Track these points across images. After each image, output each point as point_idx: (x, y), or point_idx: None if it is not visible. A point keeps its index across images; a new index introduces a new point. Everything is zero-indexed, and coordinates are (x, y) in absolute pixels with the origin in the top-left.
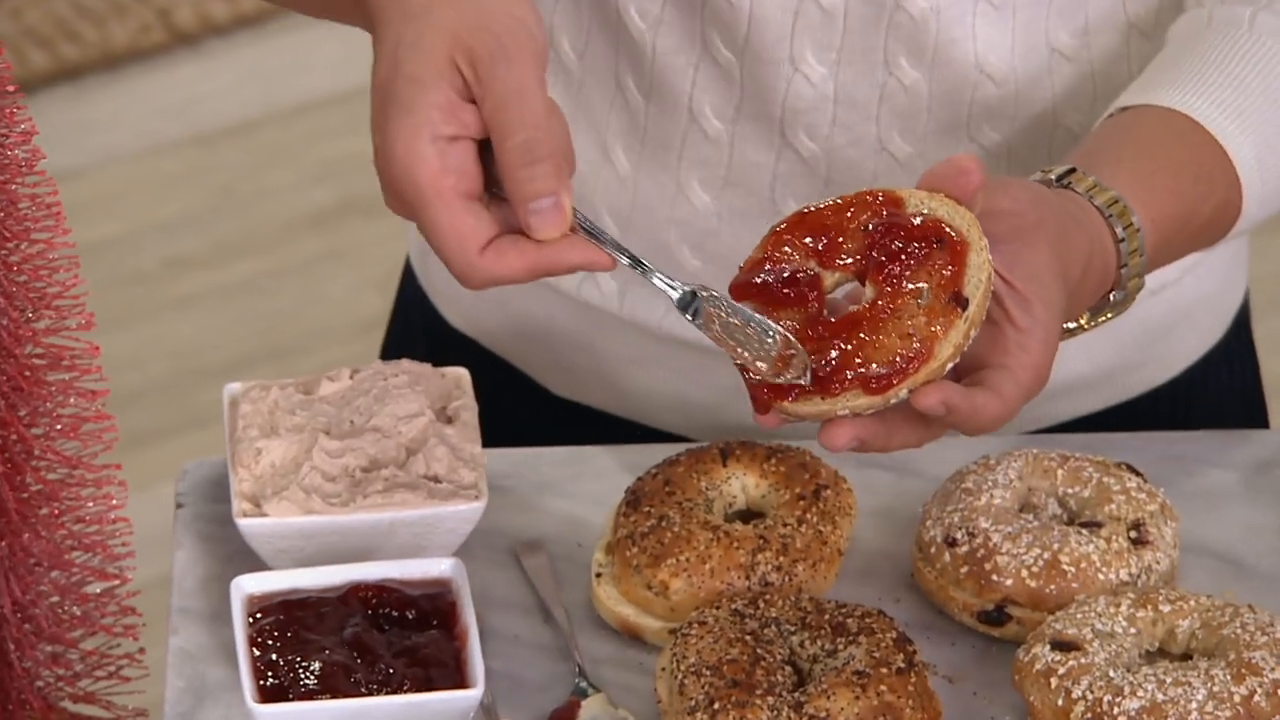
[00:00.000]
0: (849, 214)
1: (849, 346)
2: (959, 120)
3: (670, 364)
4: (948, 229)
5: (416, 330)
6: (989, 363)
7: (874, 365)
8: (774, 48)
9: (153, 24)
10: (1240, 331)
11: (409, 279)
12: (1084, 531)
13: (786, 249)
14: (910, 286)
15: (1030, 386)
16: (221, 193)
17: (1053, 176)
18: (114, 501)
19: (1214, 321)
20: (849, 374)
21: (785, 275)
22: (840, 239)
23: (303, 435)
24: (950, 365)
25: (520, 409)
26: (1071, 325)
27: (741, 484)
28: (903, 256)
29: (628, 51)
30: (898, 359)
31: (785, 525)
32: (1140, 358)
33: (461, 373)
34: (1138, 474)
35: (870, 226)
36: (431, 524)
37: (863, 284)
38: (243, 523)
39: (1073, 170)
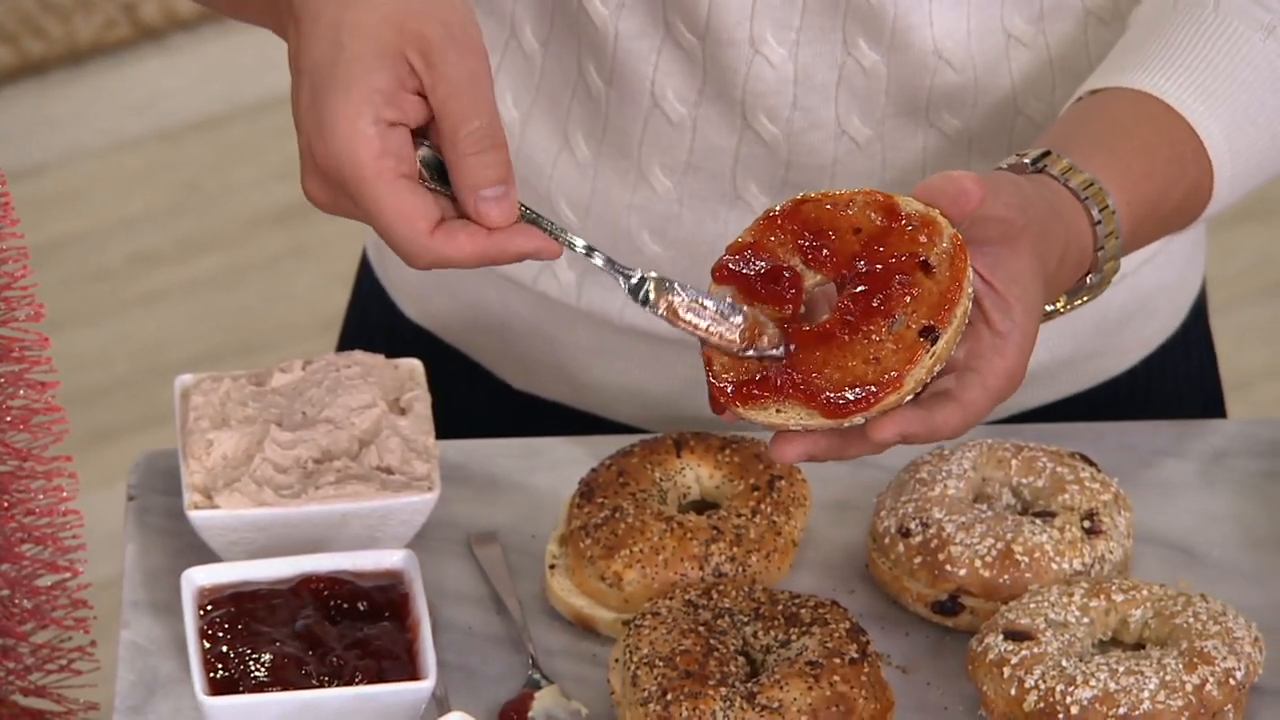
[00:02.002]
0: (845, 212)
1: (814, 362)
2: (918, 105)
3: (628, 355)
4: (934, 264)
5: (374, 324)
6: (960, 365)
7: (835, 388)
8: (734, 29)
9: (118, 19)
10: (1198, 321)
11: (366, 272)
12: (1038, 521)
13: (774, 238)
14: (885, 310)
15: (1001, 390)
16: (186, 189)
17: (1027, 160)
18: (64, 494)
19: (1172, 311)
20: (808, 390)
21: (767, 271)
22: (832, 237)
23: (254, 427)
24: (910, 397)
25: (478, 402)
26: (1049, 308)
27: (695, 475)
28: (886, 279)
29: (590, 38)
30: (859, 389)
31: (739, 516)
32: (1098, 347)
33: (415, 364)
34: (1091, 464)
35: (862, 234)
36: (384, 516)
37: (841, 290)
38: (194, 515)
39: (1047, 153)
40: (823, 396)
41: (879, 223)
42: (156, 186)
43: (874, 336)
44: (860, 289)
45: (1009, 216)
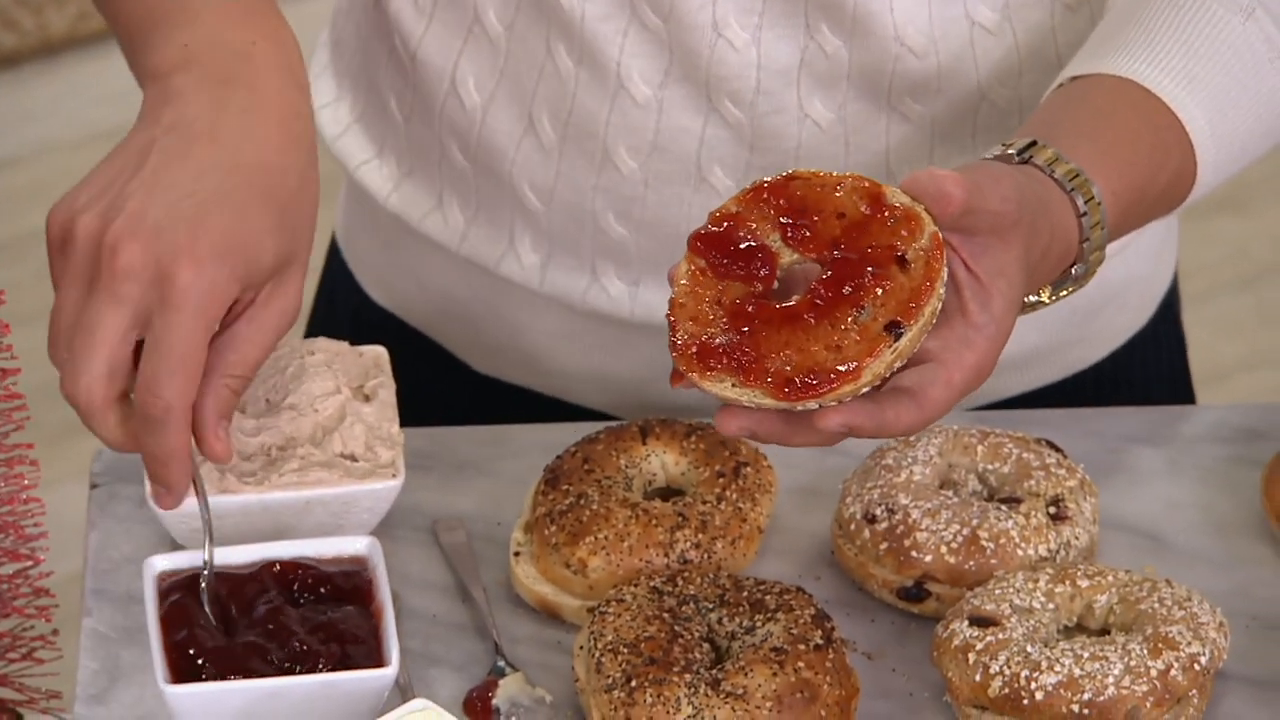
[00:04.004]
0: (832, 195)
1: (775, 341)
2: (880, 91)
3: (592, 340)
4: (910, 260)
5: (340, 309)
6: (928, 355)
7: (793, 370)
8: (697, 12)
9: (91, 11)
10: (1168, 314)
11: (334, 257)
12: (1003, 507)
13: (759, 211)
14: (854, 299)
15: (965, 385)
16: None
17: (1013, 152)
18: (25, 482)
19: (1142, 304)
20: (767, 369)
21: (742, 248)
22: (814, 219)
23: None
24: (866, 389)
25: (443, 387)
26: (1033, 299)
27: (661, 461)
28: (859, 268)
29: (559, 19)
30: (816, 374)
31: (704, 503)
32: (1068, 339)
33: (380, 351)
34: (1057, 450)
35: (844, 220)
36: (348, 503)
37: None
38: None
39: (1033, 143)
40: (778, 377)
41: (863, 210)
42: None
43: (839, 324)
44: (832, 275)
45: (1004, 210)
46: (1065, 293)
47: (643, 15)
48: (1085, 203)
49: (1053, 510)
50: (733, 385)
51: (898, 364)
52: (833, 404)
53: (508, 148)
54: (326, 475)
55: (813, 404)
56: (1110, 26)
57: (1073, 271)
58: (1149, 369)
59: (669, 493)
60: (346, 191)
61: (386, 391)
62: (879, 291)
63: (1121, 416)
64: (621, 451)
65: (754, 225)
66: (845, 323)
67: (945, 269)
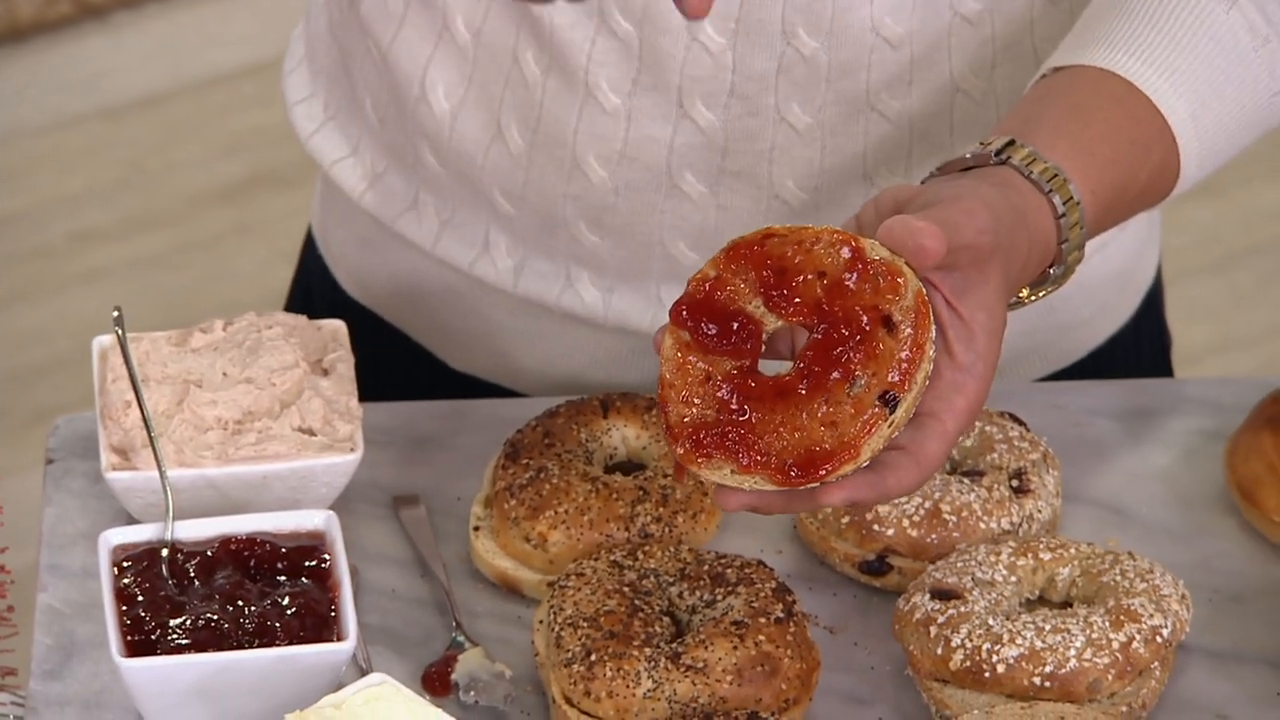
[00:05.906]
0: (810, 251)
1: (770, 423)
2: (858, 89)
3: (565, 340)
4: (897, 321)
5: (317, 301)
6: (920, 408)
7: (790, 452)
8: (672, 15)
9: None
10: (1150, 312)
11: (310, 250)
12: (965, 480)
13: (738, 273)
14: (845, 372)
15: (960, 430)
16: (129, 166)
17: (991, 151)
18: None
19: (1123, 302)
20: (763, 455)
21: (725, 319)
22: (795, 281)
23: (175, 387)
24: (866, 463)
25: (419, 382)
26: (1012, 299)
27: (622, 435)
28: (847, 337)
29: (528, 27)
30: (815, 456)
31: (665, 476)
32: (1045, 340)
33: (338, 325)
34: (1020, 423)
35: (825, 280)
36: (306, 477)
37: (805, 331)
38: (111, 476)
39: (1011, 142)
40: (777, 463)
41: (843, 267)
42: (98, 164)
43: (833, 399)
44: (821, 343)
45: (980, 243)
46: (1045, 292)
47: (612, 23)
48: (1064, 204)
49: (1015, 483)
50: (731, 472)
51: (895, 435)
52: (833, 480)
53: (476, 154)
54: (284, 449)
55: (814, 484)
56: (1093, 16)
57: (1051, 272)
58: (1129, 369)
59: (630, 467)
60: (322, 185)
61: (345, 365)
62: (869, 359)
63: (1085, 390)
64: (582, 425)
65: (734, 289)
66: (839, 397)
67: (933, 327)
